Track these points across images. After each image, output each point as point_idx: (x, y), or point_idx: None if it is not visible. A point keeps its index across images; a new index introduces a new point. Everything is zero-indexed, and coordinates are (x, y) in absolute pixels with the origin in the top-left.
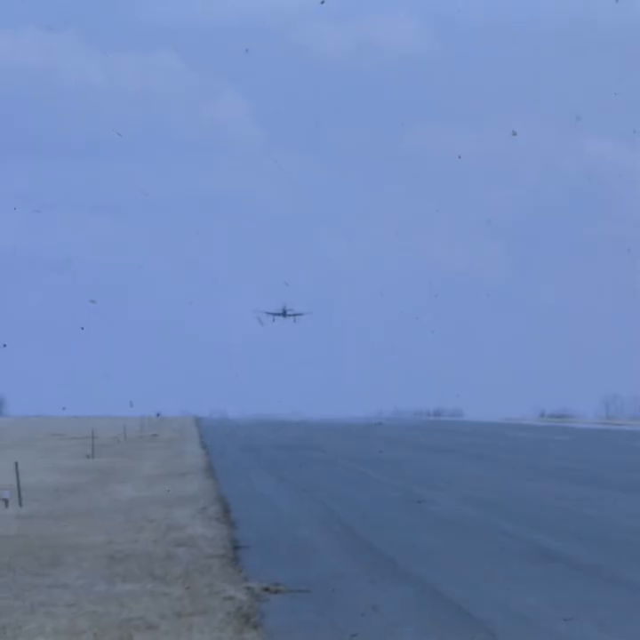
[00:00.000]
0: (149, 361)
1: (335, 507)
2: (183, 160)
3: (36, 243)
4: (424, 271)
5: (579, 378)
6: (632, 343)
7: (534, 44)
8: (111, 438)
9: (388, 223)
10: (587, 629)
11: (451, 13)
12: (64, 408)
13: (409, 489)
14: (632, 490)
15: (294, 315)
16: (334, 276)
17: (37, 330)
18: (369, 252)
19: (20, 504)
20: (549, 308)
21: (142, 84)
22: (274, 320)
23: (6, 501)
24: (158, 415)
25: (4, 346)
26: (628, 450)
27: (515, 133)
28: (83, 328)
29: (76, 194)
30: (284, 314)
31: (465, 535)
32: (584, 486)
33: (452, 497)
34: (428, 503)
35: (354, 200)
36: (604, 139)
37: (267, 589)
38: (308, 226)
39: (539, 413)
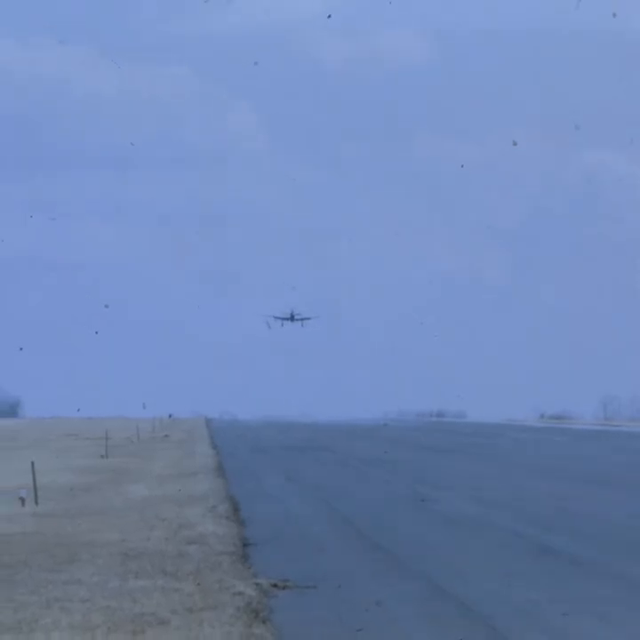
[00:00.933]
0: (161, 364)
1: (341, 505)
2: (192, 167)
3: (50, 248)
4: (426, 274)
5: (578, 379)
6: (630, 345)
7: (534, 54)
8: (124, 439)
9: (391, 227)
10: (586, 623)
11: (452, 25)
12: (78, 410)
13: (413, 488)
14: (633, 488)
15: (302, 319)
16: (339, 280)
17: (52, 333)
18: (373, 257)
19: (36, 503)
20: (549, 310)
21: (152, 93)
22: (282, 325)
23: (23, 500)
24: (170, 416)
25: (20, 349)
26: (626, 450)
27: (515, 143)
28: (97, 332)
29: (88, 201)
30: (292, 318)
31: (466, 532)
32: (581, 485)
33: (453, 495)
34: (431, 502)
35: (358, 205)
36: (603, 147)
37: (275, 585)
38: (313, 231)
39: (539, 414)
